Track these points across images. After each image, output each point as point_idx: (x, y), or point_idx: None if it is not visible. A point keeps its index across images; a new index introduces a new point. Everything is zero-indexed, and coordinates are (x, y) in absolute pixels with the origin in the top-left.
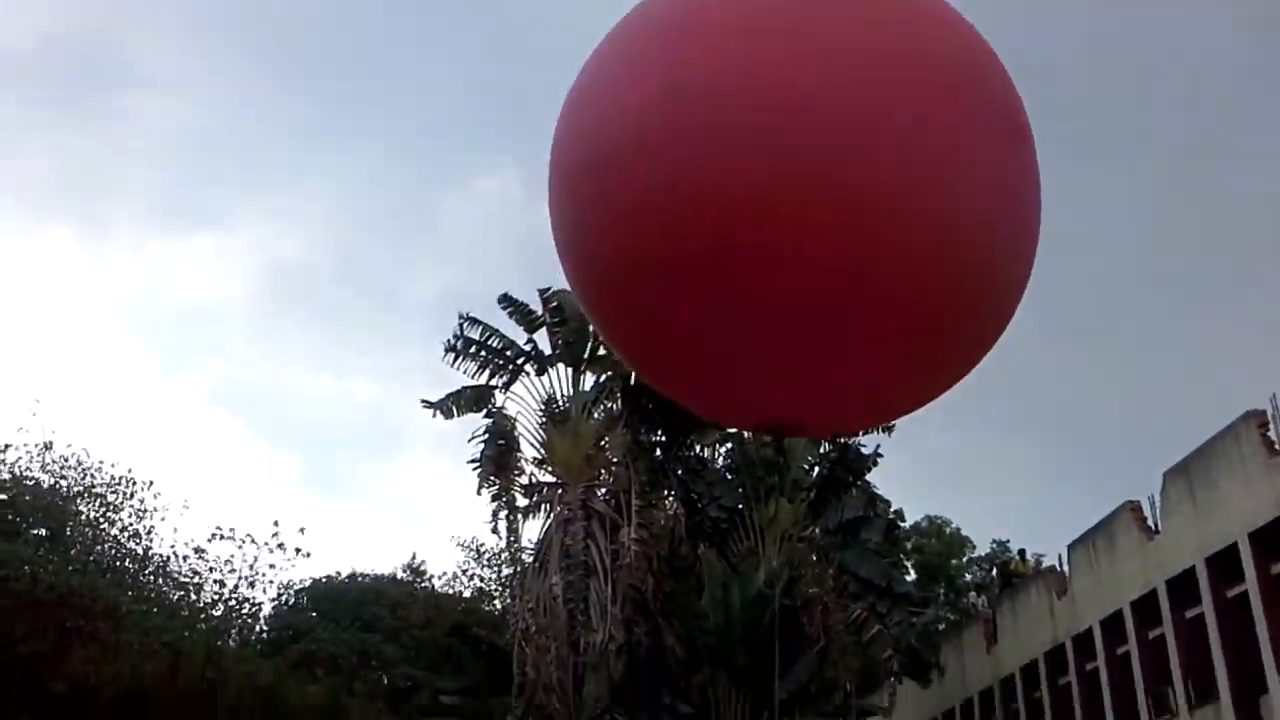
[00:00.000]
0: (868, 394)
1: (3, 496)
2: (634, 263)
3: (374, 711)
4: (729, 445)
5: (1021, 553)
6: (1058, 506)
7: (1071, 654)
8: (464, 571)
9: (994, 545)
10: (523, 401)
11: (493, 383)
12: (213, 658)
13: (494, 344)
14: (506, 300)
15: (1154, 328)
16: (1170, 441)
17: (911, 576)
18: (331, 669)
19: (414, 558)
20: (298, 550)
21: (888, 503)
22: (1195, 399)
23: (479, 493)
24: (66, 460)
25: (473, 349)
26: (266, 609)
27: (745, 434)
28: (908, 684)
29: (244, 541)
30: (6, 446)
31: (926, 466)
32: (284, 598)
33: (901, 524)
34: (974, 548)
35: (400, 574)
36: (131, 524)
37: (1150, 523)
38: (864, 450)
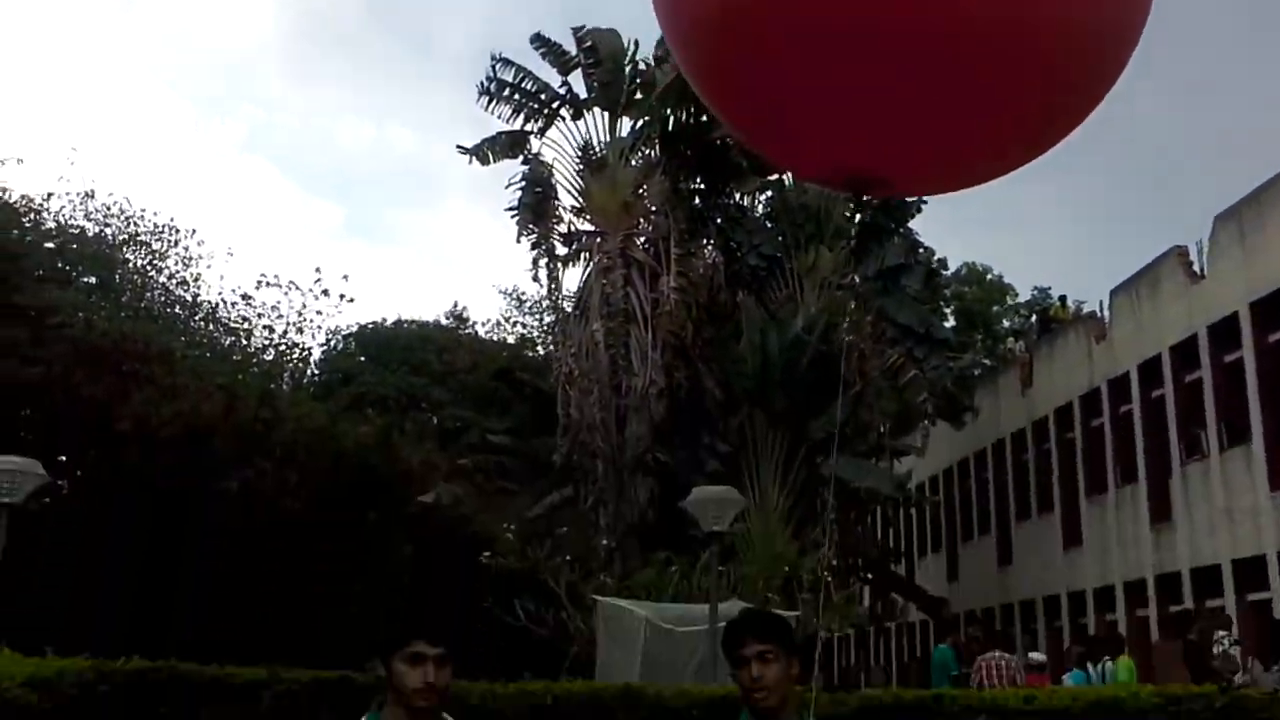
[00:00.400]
0: (963, 150)
1: (50, 245)
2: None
3: (424, 450)
4: (768, 193)
5: (1063, 299)
6: (1104, 255)
7: (1106, 396)
8: (506, 319)
9: (1035, 292)
10: (559, 148)
11: (528, 128)
12: (266, 399)
13: (528, 86)
14: (539, 40)
15: (1215, 70)
16: (1222, 191)
17: (950, 323)
18: (382, 410)
19: (456, 305)
20: (342, 296)
21: (930, 250)
22: (1252, 148)
23: (518, 241)
24: (109, 209)
25: (506, 91)
26: (316, 354)
27: (785, 180)
28: (941, 425)
29: (289, 288)
30: (49, 195)
31: (975, 212)
32: (332, 343)
33: (943, 271)
34: (1015, 295)
35: (444, 321)
36: (178, 271)
37: (1196, 268)
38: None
